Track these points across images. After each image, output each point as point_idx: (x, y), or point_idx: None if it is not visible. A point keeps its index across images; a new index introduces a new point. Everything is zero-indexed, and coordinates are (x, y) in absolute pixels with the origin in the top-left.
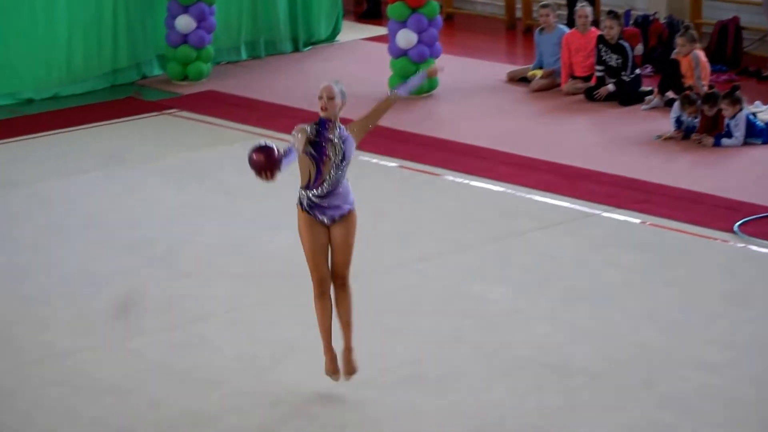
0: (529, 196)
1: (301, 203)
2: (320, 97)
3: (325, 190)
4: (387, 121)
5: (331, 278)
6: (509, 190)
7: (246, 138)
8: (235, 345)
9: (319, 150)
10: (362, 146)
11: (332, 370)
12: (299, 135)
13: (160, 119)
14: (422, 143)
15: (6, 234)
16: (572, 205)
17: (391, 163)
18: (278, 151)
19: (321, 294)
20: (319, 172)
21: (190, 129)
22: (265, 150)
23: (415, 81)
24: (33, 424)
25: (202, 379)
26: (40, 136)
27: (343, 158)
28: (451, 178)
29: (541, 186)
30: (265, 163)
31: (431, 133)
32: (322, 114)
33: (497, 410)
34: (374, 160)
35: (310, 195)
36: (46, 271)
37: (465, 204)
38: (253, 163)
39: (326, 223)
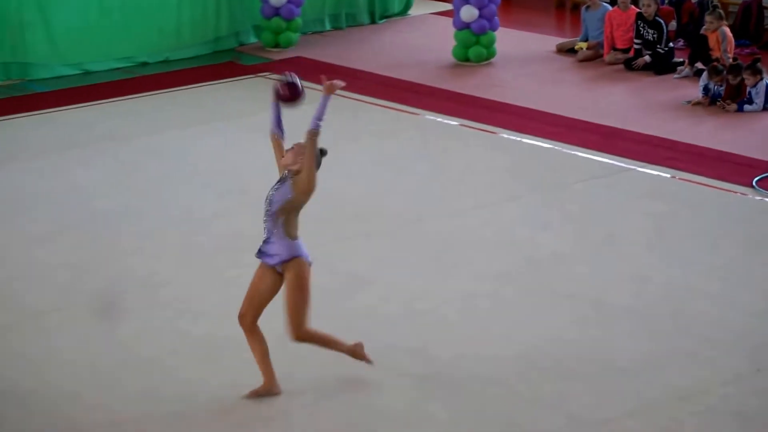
0: (573, 152)
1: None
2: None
3: (264, 235)
4: (450, 85)
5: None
6: (556, 147)
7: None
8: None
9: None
10: (428, 107)
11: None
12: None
13: (255, 81)
14: (481, 105)
15: (122, 182)
16: (610, 161)
17: (453, 122)
18: (300, 86)
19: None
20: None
21: None
22: (291, 86)
23: (320, 107)
24: (144, 341)
25: None
26: (153, 95)
27: (270, 205)
28: (505, 135)
29: (584, 144)
30: (290, 98)
31: (489, 96)
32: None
33: (542, 339)
34: (438, 119)
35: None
36: (156, 213)
37: (517, 159)
38: (279, 96)
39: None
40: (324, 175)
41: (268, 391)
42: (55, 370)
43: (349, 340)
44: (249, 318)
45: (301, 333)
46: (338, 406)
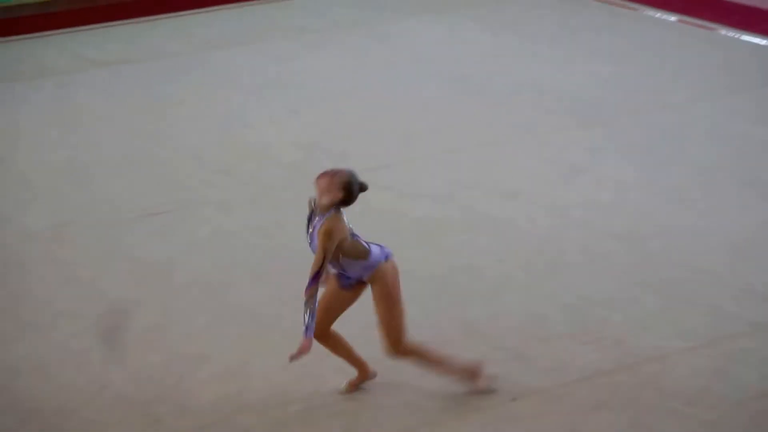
0: None
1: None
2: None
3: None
4: None
5: None
6: None
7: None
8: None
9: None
10: (646, 2)
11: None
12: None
13: None
14: (697, 1)
15: (352, 65)
16: None
17: (672, 18)
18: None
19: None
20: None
21: None
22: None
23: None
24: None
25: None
26: None
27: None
28: (723, 32)
29: None
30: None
31: None
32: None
33: (750, 229)
34: (657, 15)
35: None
36: (378, 94)
37: (734, 56)
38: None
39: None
40: (544, 70)
41: (363, 380)
42: None
43: (559, 235)
44: (318, 331)
45: (401, 349)
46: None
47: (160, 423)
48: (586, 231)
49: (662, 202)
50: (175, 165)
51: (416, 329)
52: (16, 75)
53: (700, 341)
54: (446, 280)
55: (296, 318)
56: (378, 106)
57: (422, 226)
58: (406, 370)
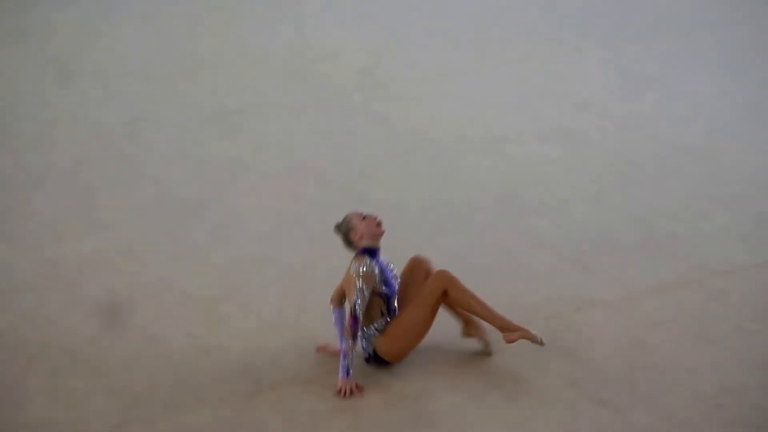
0: None
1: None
2: (378, 222)
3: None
4: None
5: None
6: None
7: None
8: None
9: (390, 283)
10: None
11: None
12: (363, 281)
13: None
14: None
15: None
16: None
17: None
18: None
19: None
20: (389, 306)
21: None
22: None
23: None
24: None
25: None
26: None
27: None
28: None
29: None
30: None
31: None
32: (376, 242)
33: None
34: None
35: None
36: (449, 4)
37: None
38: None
39: None
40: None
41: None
42: None
43: (629, 147)
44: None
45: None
46: None
47: (224, 322)
48: (656, 143)
49: (736, 117)
50: (246, 66)
51: (483, 236)
52: None
53: None
54: (515, 189)
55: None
56: (448, 12)
57: (492, 134)
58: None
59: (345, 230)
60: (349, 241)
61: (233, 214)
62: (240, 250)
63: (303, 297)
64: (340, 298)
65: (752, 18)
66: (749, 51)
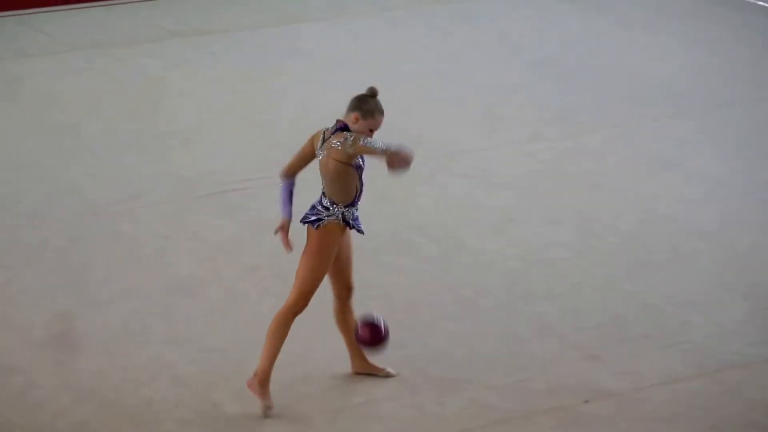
0: None
1: (343, 221)
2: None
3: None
4: None
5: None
6: None
7: None
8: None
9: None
10: None
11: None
12: (367, 140)
13: None
14: None
15: (434, 45)
16: None
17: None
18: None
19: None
20: (362, 183)
21: None
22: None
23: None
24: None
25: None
26: None
27: None
28: None
29: None
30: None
31: None
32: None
33: None
34: (759, 2)
35: (353, 211)
36: (460, 74)
37: None
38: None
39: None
40: (636, 56)
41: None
42: None
43: (643, 231)
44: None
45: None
46: None
47: (217, 408)
48: (671, 227)
49: (754, 201)
50: (247, 141)
51: (487, 322)
52: (92, 43)
53: None
54: (521, 273)
55: (368, 309)
56: (458, 88)
57: (499, 216)
58: (470, 366)
59: (366, 109)
60: (355, 108)
61: (230, 296)
62: (236, 333)
63: (300, 383)
64: (293, 171)
65: None
66: None
